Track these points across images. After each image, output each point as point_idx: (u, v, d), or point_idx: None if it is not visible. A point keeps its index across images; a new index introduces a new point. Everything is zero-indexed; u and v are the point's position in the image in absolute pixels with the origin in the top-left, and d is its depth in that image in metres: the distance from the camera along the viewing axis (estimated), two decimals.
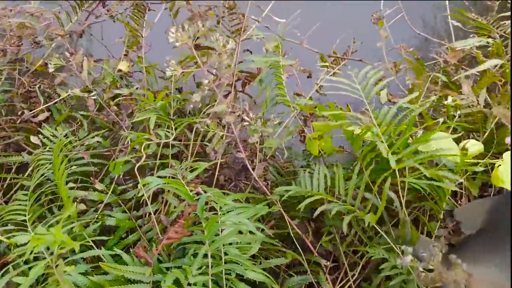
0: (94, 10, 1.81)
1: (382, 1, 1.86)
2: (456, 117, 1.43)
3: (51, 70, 1.36)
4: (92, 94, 1.53)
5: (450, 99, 1.39)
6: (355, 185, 1.27)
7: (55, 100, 1.55)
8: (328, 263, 1.28)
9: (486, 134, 1.42)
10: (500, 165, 1.11)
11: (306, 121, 1.66)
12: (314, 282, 1.27)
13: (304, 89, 1.61)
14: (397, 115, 1.26)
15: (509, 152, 1.10)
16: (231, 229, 1.18)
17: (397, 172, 1.19)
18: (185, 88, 1.74)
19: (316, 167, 1.35)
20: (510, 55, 1.40)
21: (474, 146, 1.25)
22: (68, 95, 1.56)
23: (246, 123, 1.26)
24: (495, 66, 1.40)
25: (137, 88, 1.59)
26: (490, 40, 1.44)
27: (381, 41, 1.51)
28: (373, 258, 1.21)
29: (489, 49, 1.46)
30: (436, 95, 1.49)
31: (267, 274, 1.19)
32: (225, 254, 1.17)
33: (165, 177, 1.28)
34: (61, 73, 1.55)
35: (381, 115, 1.26)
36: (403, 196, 1.27)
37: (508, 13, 1.61)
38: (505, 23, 1.49)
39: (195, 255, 1.19)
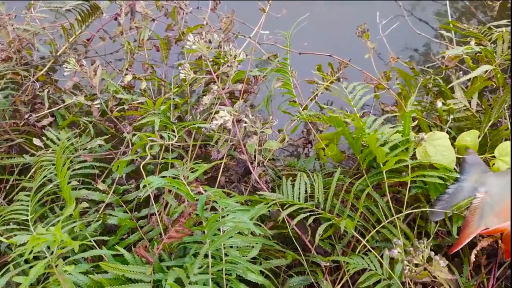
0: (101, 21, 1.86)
1: (392, 1, 1.94)
2: (450, 121, 1.48)
3: (66, 73, 1.42)
4: (97, 102, 1.56)
5: (439, 103, 1.44)
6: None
7: (60, 106, 1.59)
8: (328, 263, 1.29)
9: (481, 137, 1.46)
10: (494, 163, 1.14)
11: (308, 133, 1.71)
12: (314, 282, 1.27)
13: (303, 95, 1.65)
14: None
15: (501, 145, 1.13)
16: (231, 228, 1.19)
17: (384, 174, 1.27)
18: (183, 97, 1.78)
19: (298, 175, 1.38)
20: (510, 56, 1.45)
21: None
22: (72, 102, 1.60)
23: (245, 124, 1.30)
24: (486, 71, 1.45)
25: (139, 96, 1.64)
26: (479, 47, 1.50)
27: (385, 41, 1.59)
28: (353, 269, 1.22)
29: (478, 55, 1.52)
30: (426, 100, 1.54)
31: (269, 274, 1.19)
32: (226, 255, 1.18)
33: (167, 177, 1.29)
34: (73, 78, 1.59)
35: (369, 121, 1.37)
36: (403, 197, 1.29)
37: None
38: (495, 30, 1.55)
39: (195, 254, 1.20)
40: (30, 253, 1.04)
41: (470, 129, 1.52)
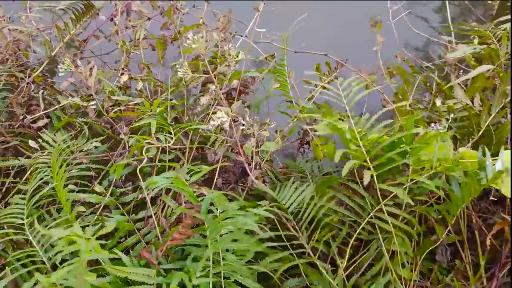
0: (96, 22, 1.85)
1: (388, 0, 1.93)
2: (450, 120, 1.46)
3: (61, 74, 1.40)
4: (92, 103, 1.55)
5: (438, 102, 1.43)
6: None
7: (55, 107, 1.57)
8: (329, 266, 1.28)
9: (480, 135, 1.44)
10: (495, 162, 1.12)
11: (305, 134, 1.70)
12: (311, 284, 1.27)
13: (301, 95, 1.64)
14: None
15: (506, 152, 1.11)
16: (234, 231, 1.17)
17: (375, 176, 1.17)
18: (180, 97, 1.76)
19: (290, 180, 1.38)
20: (510, 55, 1.43)
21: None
22: (67, 103, 1.58)
23: (243, 127, 1.29)
24: (488, 70, 1.42)
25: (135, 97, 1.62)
26: (482, 47, 1.47)
27: (383, 40, 1.57)
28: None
29: (481, 53, 1.49)
30: (426, 98, 1.53)
31: (268, 273, 1.19)
32: (223, 259, 1.17)
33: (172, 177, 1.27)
34: (68, 79, 1.57)
35: (362, 121, 1.29)
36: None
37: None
38: (501, 27, 1.52)
39: (195, 258, 1.19)
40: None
41: (470, 127, 1.50)
